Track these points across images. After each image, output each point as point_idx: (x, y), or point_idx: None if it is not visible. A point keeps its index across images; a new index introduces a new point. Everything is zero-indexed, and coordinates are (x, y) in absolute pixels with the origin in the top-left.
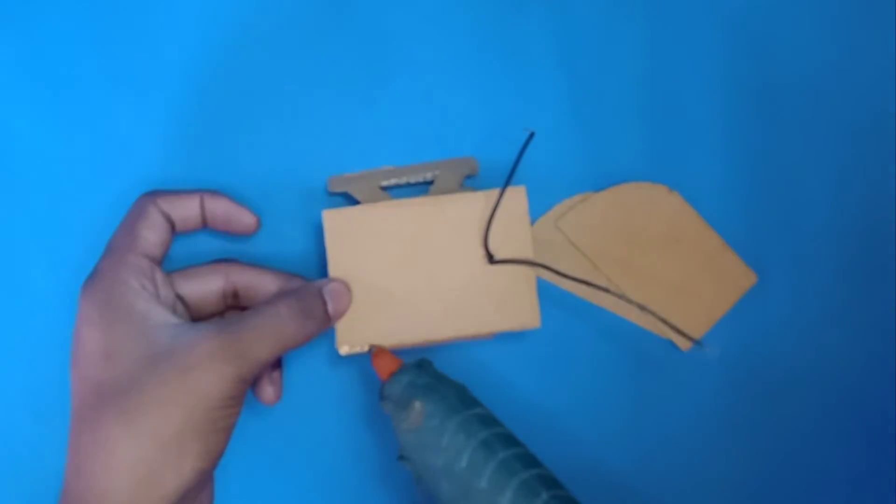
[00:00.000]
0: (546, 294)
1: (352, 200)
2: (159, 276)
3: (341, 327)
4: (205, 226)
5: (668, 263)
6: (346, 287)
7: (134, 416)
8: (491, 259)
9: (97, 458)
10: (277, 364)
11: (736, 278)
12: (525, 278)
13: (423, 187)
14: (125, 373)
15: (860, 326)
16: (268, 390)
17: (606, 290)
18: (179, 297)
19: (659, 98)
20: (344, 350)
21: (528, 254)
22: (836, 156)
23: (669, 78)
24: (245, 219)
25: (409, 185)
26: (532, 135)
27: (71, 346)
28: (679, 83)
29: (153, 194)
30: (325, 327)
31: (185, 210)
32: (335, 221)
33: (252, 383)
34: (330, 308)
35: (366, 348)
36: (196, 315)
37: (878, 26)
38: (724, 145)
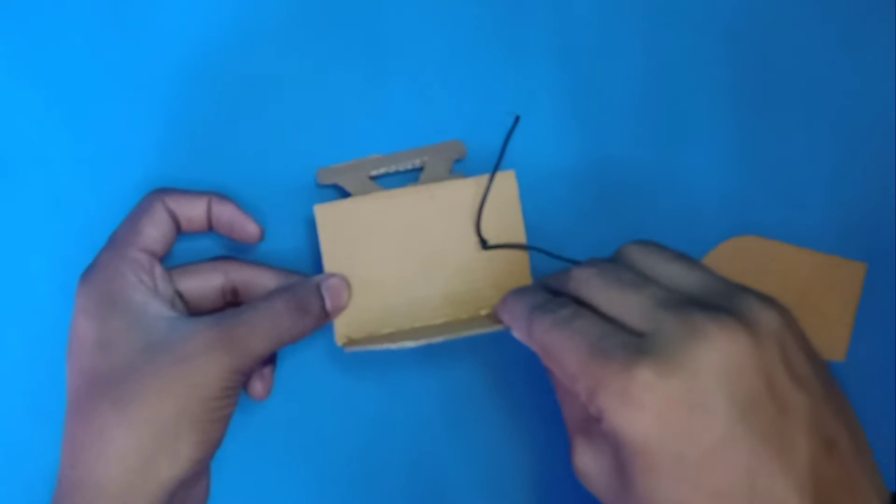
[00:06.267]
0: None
1: (342, 192)
2: (158, 271)
3: (339, 320)
4: (210, 229)
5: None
6: (345, 283)
7: (129, 405)
8: (484, 245)
9: (92, 448)
10: (270, 360)
11: (847, 277)
12: (519, 263)
13: (412, 175)
14: (120, 363)
15: (860, 326)
16: (257, 386)
17: None
18: (178, 294)
19: (653, 83)
20: (342, 343)
21: (521, 238)
22: (836, 153)
23: (664, 65)
24: (248, 228)
25: (398, 172)
26: (518, 118)
27: (68, 337)
28: (674, 69)
29: (162, 191)
30: (322, 323)
31: (192, 210)
32: (327, 216)
33: (248, 376)
34: (328, 304)
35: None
36: (195, 311)
37: (879, 21)
38: (720, 137)
